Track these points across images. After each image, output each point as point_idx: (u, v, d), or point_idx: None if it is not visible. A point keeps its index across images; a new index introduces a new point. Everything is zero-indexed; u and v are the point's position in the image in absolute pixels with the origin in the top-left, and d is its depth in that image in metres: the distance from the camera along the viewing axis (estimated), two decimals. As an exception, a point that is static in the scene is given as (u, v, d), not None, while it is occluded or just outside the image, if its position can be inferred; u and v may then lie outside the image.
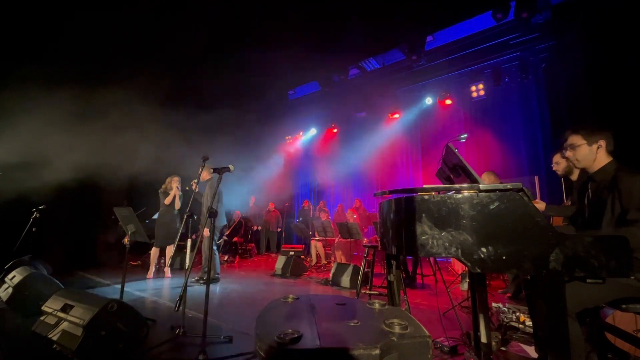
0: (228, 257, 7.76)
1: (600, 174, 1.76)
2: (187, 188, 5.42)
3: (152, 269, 5.26)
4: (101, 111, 5.51)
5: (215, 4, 5.74)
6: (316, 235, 6.88)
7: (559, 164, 2.94)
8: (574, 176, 2.84)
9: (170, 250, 5.32)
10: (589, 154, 1.77)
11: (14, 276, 3.10)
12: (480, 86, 7.32)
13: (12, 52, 5.14)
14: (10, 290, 3.00)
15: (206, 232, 4.45)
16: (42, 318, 2.21)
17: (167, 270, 5.32)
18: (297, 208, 10.57)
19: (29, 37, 5.32)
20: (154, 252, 5.32)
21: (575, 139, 1.80)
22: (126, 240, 3.08)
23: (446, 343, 2.29)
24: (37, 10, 5.21)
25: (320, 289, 4.62)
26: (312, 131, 10.66)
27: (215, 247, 4.93)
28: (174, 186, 5.35)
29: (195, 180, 5.24)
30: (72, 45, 5.39)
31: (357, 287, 3.54)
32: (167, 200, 5.33)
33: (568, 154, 1.85)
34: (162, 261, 5.72)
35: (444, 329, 2.43)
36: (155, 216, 6.77)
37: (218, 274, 4.94)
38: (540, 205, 2.67)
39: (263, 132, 10.13)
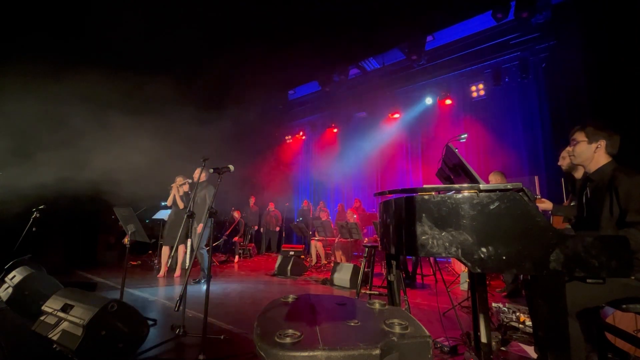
0: (227, 257, 7.77)
1: (598, 174, 1.77)
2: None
3: (165, 267, 5.27)
4: (100, 110, 5.51)
5: (216, 3, 5.74)
6: (316, 235, 6.88)
7: (564, 158, 2.89)
8: (579, 174, 2.79)
9: (166, 250, 5.31)
10: (586, 151, 1.78)
11: (14, 276, 3.10)
12: (480, 86, 7.31)
13: (13, 49, 5.13)
14: (10, 290, 3.00)
15: (199, 228, 4.49)
16: (42, 318, 2.21)
17: (164, 271, 5.32)
18: (297, 208, 10.58)
19: (29, 32, 5.32)
20: (164, 250, 5.33)
21: (579, 135, 1.81)
22: (126, 240, 3.08)
23: (446, 343, 2.29)
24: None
25: (320, 289, 4.62)
26: (312, 131, 10.66)
27: (204, 249, 4.91)
28: (173, 186, 5.34)
29: (188, 180, 5.28)
30: (72, 46, 5.39)
31: (357, 287, 3.54)
32: (169, 201, 5.35)
33: (569, 148, 1.88)
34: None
35: (444, 329, 2.43)
36: (157, 215, 6.80)
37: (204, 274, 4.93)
38: (547, 204, 2.64)
39: (263, 132, 10.13)
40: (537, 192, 5.47)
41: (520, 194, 1.30)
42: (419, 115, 8.62)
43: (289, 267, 5.52)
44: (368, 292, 3.28)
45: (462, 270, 4.60)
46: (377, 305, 1.38)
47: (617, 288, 1.49)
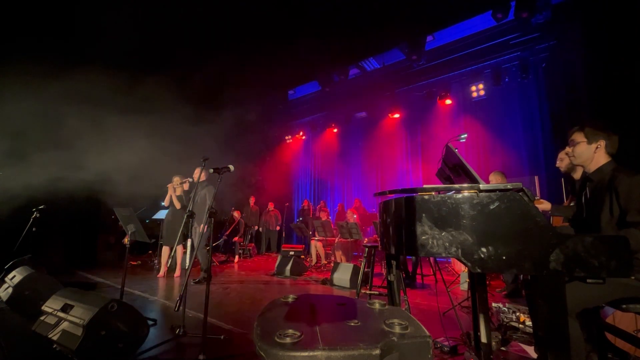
0: (227, 257, 7.77)
1: (598, 174, 1.76)
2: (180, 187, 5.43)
3: (165, 267, 5.27)
4: (100, 110, 5.50)
5: (216, 2, 5.74)
6: (316, 235, 6.88)
7: (562, 160, 2.92)
8: (577, 175, 2.81)
9: (166, 250, 5.30)
10: (585, 151, 1.78)
11: (14, 276, 3.10)
12: (480, 86, 7.31)
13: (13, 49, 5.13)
14: (10, 290, 3.00)
15: (200, 228, 4.49)
16: (42, 318, 2.21)
17: (164, 271, 5.31)
18: (297, 208, 10.57)
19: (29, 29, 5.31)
20: (164, 250, 5.32)
21: (578, 136, 1.81)
22: (126, 240, 3.08)
23: (446, 343, 2.29)
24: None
25: (320, 289, 4.62)
26: (312, 131, 10.66)
27: (204, 249, 4.91)
28: (169, 186, 5.33)
29: (188, 179, 5.28)
30: (69, 45, 5.38)
31: (357, 287, 3.54)
32: (166, 201, 5.35)
33: (568, 149, 1.88)
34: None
35: (444, 329, 2.43)
36: (157, 215, 6.80)
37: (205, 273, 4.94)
38: (546, 205, 2.65)
39: (263, 132, 10.13)
40: (537, 192, 5.47)
41: (520, 194, 1.30)
42: (419, 115, 8.62)
43: (288, 267, 5.52)
44: (368, 292, 3.27)
45: (462, 270, 4.60)
46: (377, 305, 1.38)
47: (617, 288, 1.49)
